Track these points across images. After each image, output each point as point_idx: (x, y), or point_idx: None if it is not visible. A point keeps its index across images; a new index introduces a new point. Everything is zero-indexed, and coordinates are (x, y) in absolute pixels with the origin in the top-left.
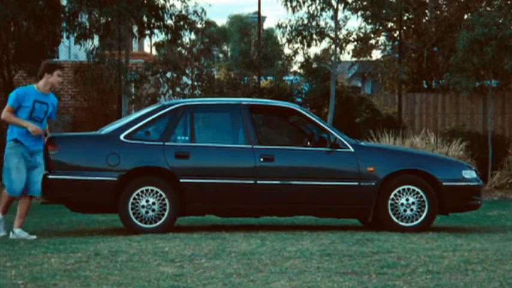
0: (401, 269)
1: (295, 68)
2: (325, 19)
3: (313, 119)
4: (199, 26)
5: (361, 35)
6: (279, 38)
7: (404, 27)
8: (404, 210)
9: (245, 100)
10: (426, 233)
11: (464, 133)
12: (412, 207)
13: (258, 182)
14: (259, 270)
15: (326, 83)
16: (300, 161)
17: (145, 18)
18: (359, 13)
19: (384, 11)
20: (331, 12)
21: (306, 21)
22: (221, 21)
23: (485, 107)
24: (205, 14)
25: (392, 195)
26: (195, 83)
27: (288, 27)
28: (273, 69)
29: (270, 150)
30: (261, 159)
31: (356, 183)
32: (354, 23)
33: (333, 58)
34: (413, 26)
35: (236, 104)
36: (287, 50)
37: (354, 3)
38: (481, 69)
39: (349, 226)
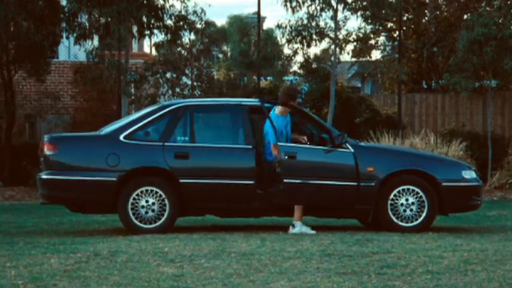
0: (401, 269)
1: (295, 68)
2: (325, 19)
3: (313, 119)
4: (198, 26)
5: (361, 35)
6: (278, 38)
7: (404, 28)
8: (404, 211)
9: (245, 100)
10: (426, 233)
11: (464, 133)
12: (412, 207)
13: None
14: (259, 270)
15: (326, 83)
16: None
17: (145, 19)
18: (359, 13)
19: (383, 11)
20: (330, 13)
21: (305, 22)
22: (221, 21)
23: (485, 107)
24: (204, 14)
25: (392, 196)
26: (195, 83)
27: (288, 28)
28: (272, 69)
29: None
30: None
31: (356, 184)
32: (354, 23)
33: (332, 58)
34: (413, 26)
35: (236, 104)
36: (287, 50)
37: (353, 4)
38: (480, 69)
39: (349, 226)
